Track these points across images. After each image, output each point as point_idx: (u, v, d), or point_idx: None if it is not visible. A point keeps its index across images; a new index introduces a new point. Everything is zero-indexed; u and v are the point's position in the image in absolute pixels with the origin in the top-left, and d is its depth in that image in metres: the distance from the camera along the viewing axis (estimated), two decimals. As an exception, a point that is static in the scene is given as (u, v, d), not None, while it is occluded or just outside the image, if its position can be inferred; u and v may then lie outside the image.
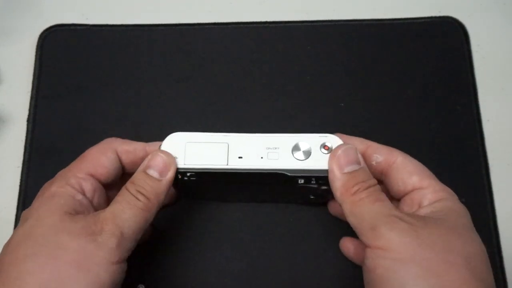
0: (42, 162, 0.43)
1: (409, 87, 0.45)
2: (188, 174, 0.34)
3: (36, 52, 0.47)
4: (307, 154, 0.34)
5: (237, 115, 0.44)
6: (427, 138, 0.43)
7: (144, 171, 0.33)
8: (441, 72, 0.46)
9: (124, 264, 0.31)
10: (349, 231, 0.33)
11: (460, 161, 0.43)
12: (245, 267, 0.40)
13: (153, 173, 0.33)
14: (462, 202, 0.41)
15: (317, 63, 0.46)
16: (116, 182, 0.36)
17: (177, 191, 0.38)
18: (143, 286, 0.39)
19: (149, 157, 0.34)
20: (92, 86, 0.46)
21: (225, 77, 0.46)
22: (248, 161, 0.33)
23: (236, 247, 0.40)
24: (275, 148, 0.34)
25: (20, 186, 0.42)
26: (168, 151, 0.34)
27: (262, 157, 0.34)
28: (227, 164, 0.34)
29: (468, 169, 0.43)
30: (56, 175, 0.34)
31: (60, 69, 0.46)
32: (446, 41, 0.47)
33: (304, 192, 0.34)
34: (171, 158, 0.34)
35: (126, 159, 0.36)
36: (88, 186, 0.34)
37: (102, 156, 0.35)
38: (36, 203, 0.32)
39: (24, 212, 0.32)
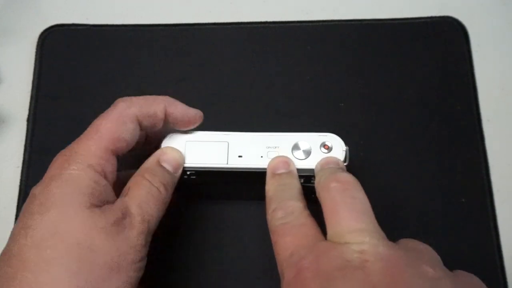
0: (42, 162, 0.42)
1: (409, 87, 0.45)
2: (188, 173, 0.34)
3: (36, 52, 0.47)
4: (307, 153, 0.34)
5: (237, 114, 0.44)
6: (427, 138, 0.43)
7: (160, 164, 0.32)
8: (441, 72, 0.46)
9: (145, 261, 0.30)
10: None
11: (460, 161, 0.43)
12: (245, 267, 0.40)
13: (169, 167, 0.33)
14: (462, 202, 0.41)
15: (317, 63, 0.46)
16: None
17: (176, 189, 0.38)
18: (143, 286, 0.39)
19: (161, 151, 0.33)
20: (92, 86, 0.46)
21: (225, 77, 0.46)
22: (248, 160, 0.34)
23: (236, 247, 0.40)
24: (275, 147, 0.34)
25: (20, 186, 0.42)
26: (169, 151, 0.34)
27: (262, 156, 0.34)
28: (227, 163, 0.34)
29: (468, 169, 0.43)
30: (70, 151, 0.30)
31: (60, 69, 0.46)
32: (446, 41, 0.47)
33: (304, 191, 0.34)
34: (182, 156, 0.33)
35: (147, 123, 0.32)
36: (109, 167, 0.30)
37: (122, 128, 0.31)
38: (55, 187, 0.28)
39: (37, 192, 0.29)
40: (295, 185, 0.32)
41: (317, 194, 0.31)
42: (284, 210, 0.30)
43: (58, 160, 0.30)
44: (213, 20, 0.48)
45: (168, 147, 0.34)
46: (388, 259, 0.26)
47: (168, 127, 0.34)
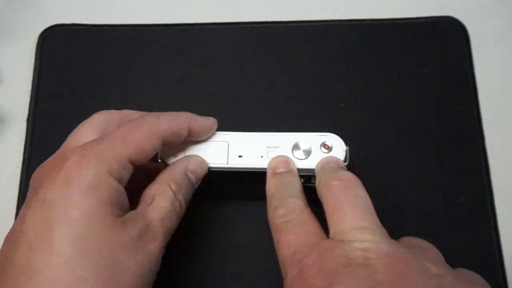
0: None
1: (409, 87, 0.45)
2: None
3: (36, 52, 0.47)
4: (307, 153, 0.34)
5: (237, 114, 0.44)
6: (427, 138, 0.43)
7: (185, 174, 0.32)
8: (441, 72, 0.45)
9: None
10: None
11: (460, 161, 0.43)
12: (245, 267, 0.40)
13: (192, 177, 0.33)
14: (462, 202, 0.41)
15: (317, 63, 0.46)
16: None
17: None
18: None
19: (187, 159, 0.33)
20: (92, 86, 0.46)
21: (225, 77, 0.46)
22: (248, 160, 0.34)
23: (236, 246, 0.40)
24: (275, 147, 0.34)
25: (20, 186, 0.42)
26: (168, 149, 0.34)
27: (262, 156, 0.34)
28: (227, 163, 0.34)
29: (468, 169, 0.43)
30: (90, 152, 0.28)
31: (60, 69, 0.46)
32: (446, 41, 0.47)
33: (305, 191, 0.34)
34: (207, 166, 0.34)
35: (171, 139, 0.32)
36: (126, 175, 0.29)
37: (148, 142, 0.30)
38: (74, 193, 0.26)
39: (51, 196, 0.26)
40: (296, 183, 0.32)
41: (318, 193, 0.31)
42: (285, 207, 0.30)
43: (74, 160, 0.28)
44: (213, 20, 0.48)
45: (195, 156, 0.34)
46: (391, 256, 0.26)
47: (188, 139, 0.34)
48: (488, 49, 0.47)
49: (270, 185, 0.33)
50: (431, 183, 0.42)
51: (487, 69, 0.46)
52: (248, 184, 0.36)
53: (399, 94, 0.45)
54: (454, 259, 0.40)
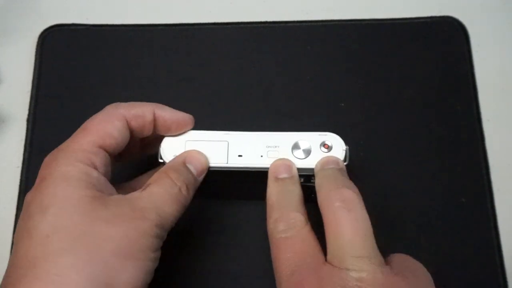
0: (42, 162, 0.43)
1: (409, 87, 0.45)
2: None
3: (36, 52, 0.47)
4: (307, 152, 0.34)
5: (237, 114, 0.44)
6: (427, 138, 0.43)
7: (185, 165, 0.32)
8: (441, 72, 0.46)
9: (160, 252, 0.30)
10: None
11: (460, 161, 0.43)
12: (245, 267, 0.40)
13: (193, 170, 0.32)
14: (462, 202, 0.41)
15: (317, 63, 0.46)
16: (122, 151, 0.33)
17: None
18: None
19: (187, 153, 0.33)
20: (92, 86, 0.46)
21: (225, 77, 0.46)
22: (248, 159, 0.33)
23: (236, 246, 0.40)
24: (275, 147, 0.34)
25: (20, 186, 0.42)
26: (168, 149, 0.34)
27: (262, 156, 0.34)
28: (227, 162, 0.34)
29: (468, 169, 0.43)
30: (57, 151, 0.31)
31: (60, 69, 0.46)
32: (446, 41, 0.47)
33: (304, 190, 0.34)
34: (207, 161, 0.33)
35: (135, 124, 0.33)
36: (99, 160, 0.30)
37: (109, 125, 0.31)
38: (47, 187, 0.29)
39: (31, 197, 0.29)
40: (298, 192, 0.32)
41: (320, 206, 0.31)
42: (286, 222, 0.30)
43: (46, 161, 0.30)
44: (213, 20, 0.48)
45: (194, 150, 0.33)
46: (385, 286, 0.27)
47: (160, 133, 0.34)
48: (488, 49, 0.47)
49: (272, 191, 0.32)
50: (431, 183, 0.42)
51: (487, 69, 0.46)
52: (248, 183, 0.36)
53: (399, 94, 0.45)
54: (454, 259, 0.40)
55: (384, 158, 0.43)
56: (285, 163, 0.33)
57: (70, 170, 0.29)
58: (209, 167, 0.34)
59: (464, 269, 0.40)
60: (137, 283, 0.28)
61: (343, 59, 0.46)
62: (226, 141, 0.34)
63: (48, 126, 0.44)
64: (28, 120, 0.44)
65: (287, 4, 0.49)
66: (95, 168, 0.30)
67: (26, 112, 0.45)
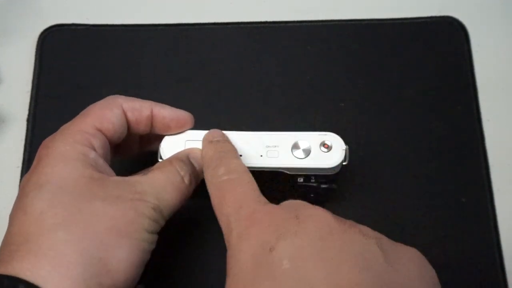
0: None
1: (409, 87, 0.45)
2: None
3: (36, 52, 0.47)
4: (307, 152, 0.33)
5: (236, 114, 0.44)
6: (427, 138, 0.43)
7: (189, 158, 0.32)
8: (441, 72, 0.46)
9: (157, 236, 0.30)
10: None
11: (460, 161, 0.43)
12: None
13: (196, 165, 0.33)
14: (462, 202, 0.41)
15: (317, 63, 0.46)
16: (120, 144, 0.34)
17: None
18: (143, 286, 0.39)
19: (190, 149, 0.33)
20: (92, 86, 0.46)
21: (225, 77, 0.46)
22: (247, 159, 0.33)
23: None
24: (275, 147, 0.34)
25: (20, 186, 0.42)
26: (168, 148, 0.34)
27: (261, 155, 0.34)
28: (227, 163, 0.34)
29: (468, 169, 0.43)
30: (55, 133, 0.31)
31: (60, 69, 0.46)
32: (446, 41, 0.47)
33: (304, 190, 0.34)
34: None
35: (132, 116, 0.33)
36: (98, 142, 0.30)
37: (108, 111, 0.32)
38: (45, 166, 0.29)
39: (27, 177, 0.29)
40: (234, 151, 0.32)
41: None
42: (226, 167, 0.30)
43: (44, 143, 0.30)
44: (213, 20, 0.48)
45: (197, 147, 0.33)
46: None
47: (160, 132, 0.34)
48: (488, 49, 0.47)
49: (207, 150, 0.32)
50: (431, 183, 0.42)
51: (487, 69, 0.46)
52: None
53: (399, 94, 0.45)
54: (454, 259, 0.40)
55: (384, 158, 0.43)
56: (218, 131, 0.33)
57: (68, 150, 0.29)
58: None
59: (464, 269, 0.40)
60: (132, 261, 0.27)
61: (343, 59, 0.46)
62: (226, 141, 0.34)
63: (48, 126, 0.44)
64: (28, 120, 0.45)
65: (287, 4, 0.49)
66: (93, 149, 0.30)
67: (26, 112, 0.45)
